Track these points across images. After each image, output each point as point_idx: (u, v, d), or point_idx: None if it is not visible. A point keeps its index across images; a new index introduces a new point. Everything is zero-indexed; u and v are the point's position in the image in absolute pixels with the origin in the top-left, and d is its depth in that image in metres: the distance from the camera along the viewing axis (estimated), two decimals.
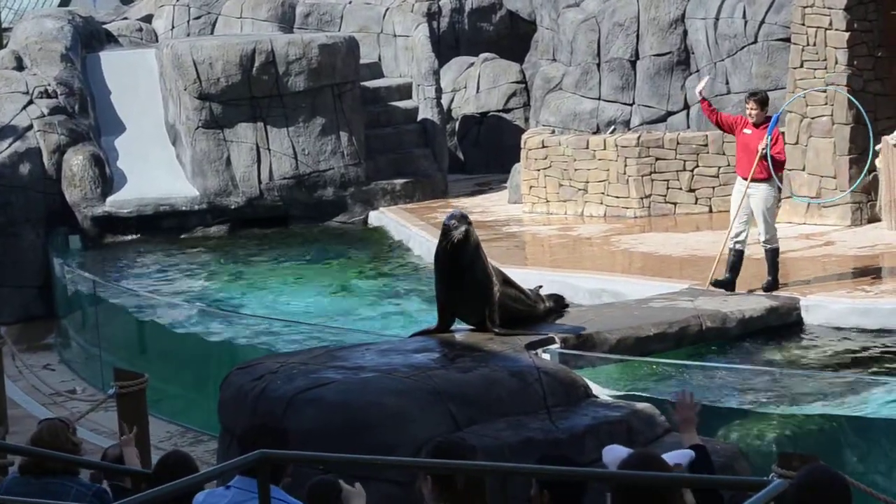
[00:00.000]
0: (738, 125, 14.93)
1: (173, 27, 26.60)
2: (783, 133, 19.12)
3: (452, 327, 11.73)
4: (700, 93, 15.15)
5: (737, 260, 14.92)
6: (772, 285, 14.93)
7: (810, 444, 12.09)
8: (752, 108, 14.74)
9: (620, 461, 5.72)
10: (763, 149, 14.47)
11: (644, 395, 12.32)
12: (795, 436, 12.25)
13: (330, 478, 7.31)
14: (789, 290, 15.16)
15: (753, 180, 14.60)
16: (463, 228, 11.24)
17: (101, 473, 8.70)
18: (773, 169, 14.61)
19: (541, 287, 12.98)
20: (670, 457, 6.18)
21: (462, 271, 11.31)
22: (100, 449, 9.82)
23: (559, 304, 12.98)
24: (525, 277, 17.07)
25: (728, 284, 14.81)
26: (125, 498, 6.80)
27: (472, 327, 11.73)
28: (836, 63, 18.40)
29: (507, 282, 12.00)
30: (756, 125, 14.73)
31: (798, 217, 18.67)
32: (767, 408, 12.69)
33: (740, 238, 14.86)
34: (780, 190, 15.35)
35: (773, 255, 14.99)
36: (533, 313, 12.25)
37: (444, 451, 6.44)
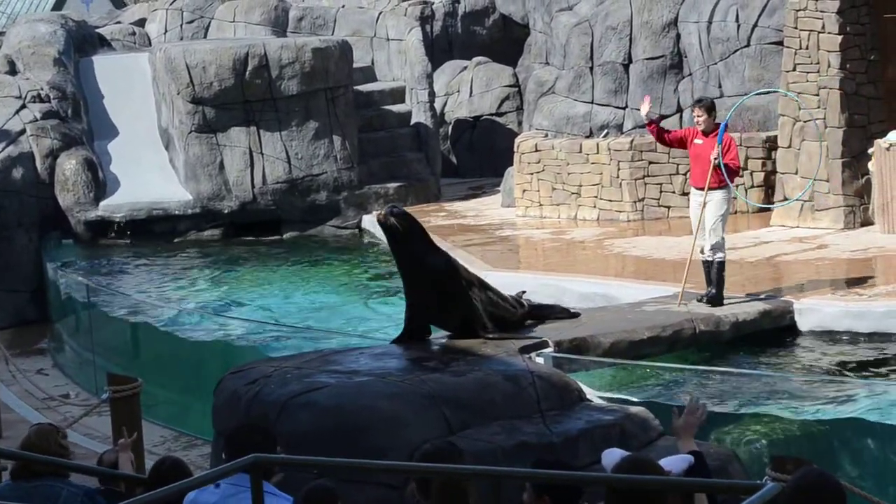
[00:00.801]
0: (688, 137, 14.50)
1: (166, 31, 26.60)
2: (776, 137, 19.18)
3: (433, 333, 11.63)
4: (646, 115, 14.69)
5: (712, 270, 14.59)
6: (715, 299, 14.36)
7: (804, 447, 12.10)
8: (698, 116, 14.36)
9: (614, 465, 5.73)
10: (715, 159, 14.03)
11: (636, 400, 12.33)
12: (789, 439, 12.26)
13: (326, 483, 7.30)
14: (783, 293, 15.16)
15: (709, 189, 14.14)
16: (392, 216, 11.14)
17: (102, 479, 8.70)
18: (727, 177, 14.12)
19: (524, 292, 12.93)
20: (669, 462, 6.18)
21: (439, 283, 11.17)
22: (93, 454, 9.83)
23: (543, 314, 12.81)
24: (519, 281, 17.10)
25: (718, 297, 14.45)
26: (119, 502, 6.80)
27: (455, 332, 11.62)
28: (829, 66, 18.42)
29: (483, 286, 11.91)
30: (706, 133, 14.27)
31: (791, 220, 18.68)
32: (760, 411, 12.70)
33: (707, 249, 14.47)
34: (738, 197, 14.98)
35: (719, 269, 14.39)
36: (510, 318, 12.13)
37: (431, 457, 6.46)
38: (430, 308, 11.41)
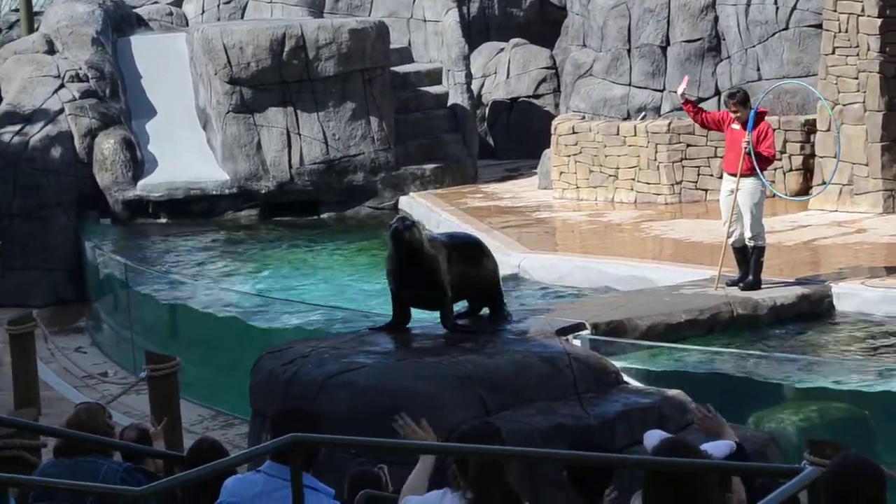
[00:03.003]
0: (725, 121, 14.28)
1: (203, 11, 26.64)
2: (815, 120, 19.08)
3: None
4: (682, 95, 14.51)
5: (743, 256, 14.41)
6: (753, 286, 14.24)
7: (842, 432, 12.06)
8: (734, 111, 14.10)
9: (653, 448, 5.73)
10: (746, 146, 13.85)
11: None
12: (827, 424, 12.22)
13: (372, 469, 7.31)
14: (821, 277, 15.10)
15: (741, 176, 13.93)
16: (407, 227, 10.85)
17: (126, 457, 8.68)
18: (758, 165, 13.88)
19: None
20: (712, 446, 6.17)
21: (424, 284, 10.97)
22: None
23: None
24: (555, 264, 17.12)
25: (755, 283, 14.33)
26: (151, 481, 6.83)
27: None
28: (868, 49, 18.31)
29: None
30: (743, 123, 14.05)
31: (830, 204, 18.59)
32: (799, 395, 12.66)
33: (737, 235, 14.25)
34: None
35: (758, 255, 14.27)
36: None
37: (468, 437, 6.48)
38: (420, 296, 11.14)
